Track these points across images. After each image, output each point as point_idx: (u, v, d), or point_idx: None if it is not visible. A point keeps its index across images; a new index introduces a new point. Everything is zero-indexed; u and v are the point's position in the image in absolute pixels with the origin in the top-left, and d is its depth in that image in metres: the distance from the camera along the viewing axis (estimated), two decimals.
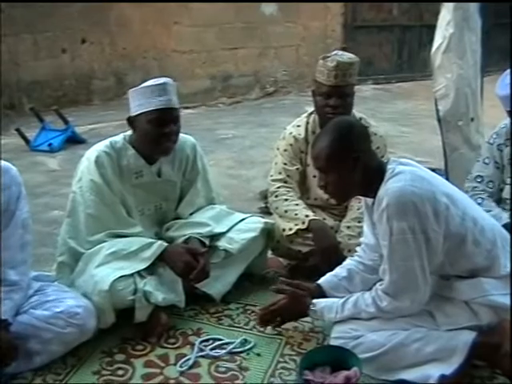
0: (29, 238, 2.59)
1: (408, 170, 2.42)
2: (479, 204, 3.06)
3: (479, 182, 3.28)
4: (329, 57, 3.22)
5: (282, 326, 2.83)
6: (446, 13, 3.86)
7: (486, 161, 3.29)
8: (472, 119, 3.97)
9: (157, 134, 2.86)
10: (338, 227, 3.32)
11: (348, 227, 3.25)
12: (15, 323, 2.48)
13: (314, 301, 2.66)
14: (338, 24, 9.16)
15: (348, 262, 2.83)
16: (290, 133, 3.41)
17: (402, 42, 9.81)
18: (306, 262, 3.27)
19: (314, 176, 2.97)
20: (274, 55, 8.69)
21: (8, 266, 2.49)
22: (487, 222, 2.54)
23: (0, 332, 2.37)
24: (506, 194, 3.22)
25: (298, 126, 3.43)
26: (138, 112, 2.86)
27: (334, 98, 3.19)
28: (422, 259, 2.36)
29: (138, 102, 2.85)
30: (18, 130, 6.30)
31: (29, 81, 7.66)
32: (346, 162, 2.44)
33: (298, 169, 3.38)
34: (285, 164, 3.38)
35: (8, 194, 2.49)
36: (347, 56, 3.25)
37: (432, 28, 4.07)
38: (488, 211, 2.94)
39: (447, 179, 3.76)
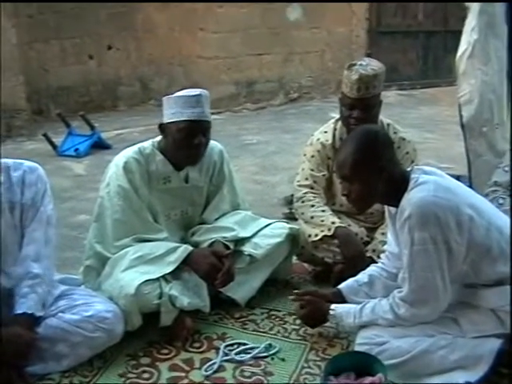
0: (52, 234, 2.65)
1: (432, 180, 2.41)
2: (500, 204, 3.03)
3: (498, 186, 3.24)
4: (354, 65, 3.18)
5: (307, 331, 2.85)
6: (472, 18, 3.83)
7: (506, 169, 3.25)
8: (497, 125, 3.93)
9: (185, 144, 2.88)
10: (362, 234, 3.32)
11: (382, 234, 3.21)
12: (44, 326, 2.53)
13: (333, 306, 2.67)
14: (362, 29, 9.12)
15: (370, 269, 2.83)
16: (318, 139, 3.40)
17: (427, 48, 9.74)
18: (330, 270, 3.26)
19: (341, 182, 2.97)
20: (299, 61, 8.67)
21: (32, 258, 2.54)
22: None
23: (19, 329, 2.41)
24: None
25: (326, 132, 3.42)
26: (170, 120, 2.89)
27: (357, 111, 3.15)
28: (443, 270, 2.35)
29: (171, 111, 2.88)
30: (45, 134, 6.37)
31: (56, 86, 7.76)
32: (371, 172, 2.43)
33: (324, 175, 3.37)
34: (312, 170, 3.37)
35: (34, 190, 2.59)
36: (371, 67, 3.17)
37: (457, 34, 4.04)
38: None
39: (470, 186, 3.73)
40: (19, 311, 2.46)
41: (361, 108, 3.16)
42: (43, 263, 2.56)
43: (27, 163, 2.66)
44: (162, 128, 2.95)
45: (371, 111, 3.20)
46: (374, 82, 3.16)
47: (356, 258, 3.13)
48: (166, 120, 2.92)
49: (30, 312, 2.46)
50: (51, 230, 2.64)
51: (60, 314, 2.58)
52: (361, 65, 3.18)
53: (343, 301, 2.73)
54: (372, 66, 3.19)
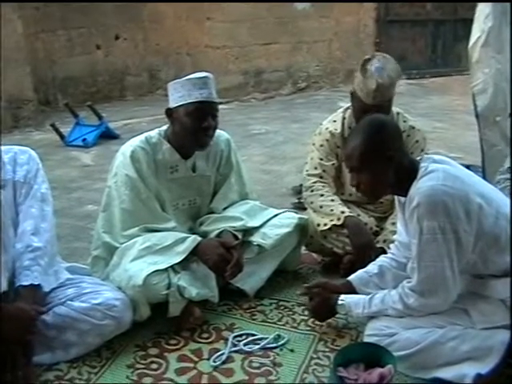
0: (50, 210, 2.64)
1: (441, 169, 2.38)
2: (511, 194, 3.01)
3: (510, 173, 3.21)
4: (369, 61, 3.08)
5: (316, 322, 2.84)
6: (485, 6, 3.77)
7: None
8: (510, 115, 3.88)
9: (195, 127, 2.86)
10: (372, 223, 3.30)
11: (393, 223, 3.18)
12: (53, 314, 2.52)
13: (342, 296, 2.67)
14: (370, 18, 9.09)
15: (380, 259, 2.82)
16: (327, 128, 3.37)
17: (436, 37, 9.70)
18: (339, 260, 3.25)
19: (350, 172, 2.95)
20: (307, 50, 8.65)
21: (30, 232, 2.52)
22: None
23: (22, 304, 2.36)
24: None
25: (335, 121, 3.39)
26: (178, 104, 2.86)
27: (372, 112, 3.05)
28: (452, 259, 2.33)
29: (179, 94, 2.85)
30: (52, 125, 6.38)
31: (63, 77, 7.78)
32: (379, 162, 2.41)
33: (333, 164, 3.35)
34: (321, 159, 3.35)
35: (26, 168, 2.60)
36: (387, 72, 3.06)
37: (467, 22, 4.00)
38: None
39: (484, 176, 3.71)
40: (25, 283, 2.41)
41: (376, 111, 3.07)
42: (43, 236, 2.53)
43: (18, 147, 2.68)
44: (170, 113, 2.93)
45: (386, 112, 3.11)
46: (391, 89, 3.12)
47: (365, 248, 3.12)
48: (173, 104, 2.89)
49: (36, 283, 2.43)
50: (48, 207, 2.62)
51: (69, 302, 2.57)
52: (376, 69, 3.07)
53: (353, 292, 2.72)
54: (388, 71, 3.08)
